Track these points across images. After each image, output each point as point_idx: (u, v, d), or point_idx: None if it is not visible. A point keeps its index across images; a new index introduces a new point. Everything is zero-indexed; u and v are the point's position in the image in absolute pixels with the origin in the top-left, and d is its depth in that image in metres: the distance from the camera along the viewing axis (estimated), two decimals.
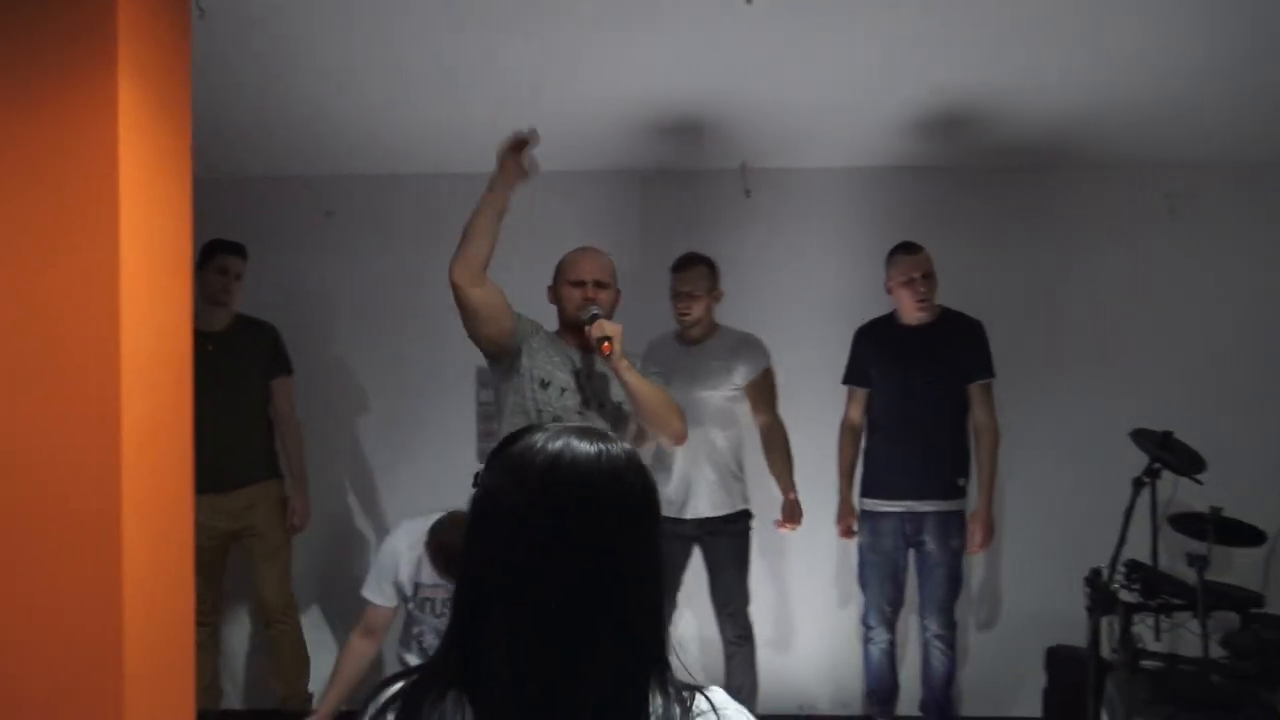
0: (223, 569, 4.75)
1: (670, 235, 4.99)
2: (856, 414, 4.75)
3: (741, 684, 4.51)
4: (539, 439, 1.30)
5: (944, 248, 4.72)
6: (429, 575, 3.92)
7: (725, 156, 5.04)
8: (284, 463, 4.85)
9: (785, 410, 4.74)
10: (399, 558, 4.05)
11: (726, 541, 4.48)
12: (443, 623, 4.03)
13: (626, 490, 1.29)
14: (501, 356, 3.49)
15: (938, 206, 5.09)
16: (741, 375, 4.52)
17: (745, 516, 4.54)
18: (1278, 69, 4.23)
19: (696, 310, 4.46)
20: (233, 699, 5.25)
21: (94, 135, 2.35)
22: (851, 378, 4.76)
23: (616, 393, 3.49)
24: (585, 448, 1.29)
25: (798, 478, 4.67)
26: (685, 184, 5.18)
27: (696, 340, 4.53)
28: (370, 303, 5.25)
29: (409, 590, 4.04)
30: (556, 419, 3.29)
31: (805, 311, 5.12)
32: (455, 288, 3.32)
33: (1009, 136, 4.82)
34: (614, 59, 4.22)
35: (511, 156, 3.31)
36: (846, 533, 4.73)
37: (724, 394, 4.49)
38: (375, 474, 5.24)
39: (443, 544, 3.82)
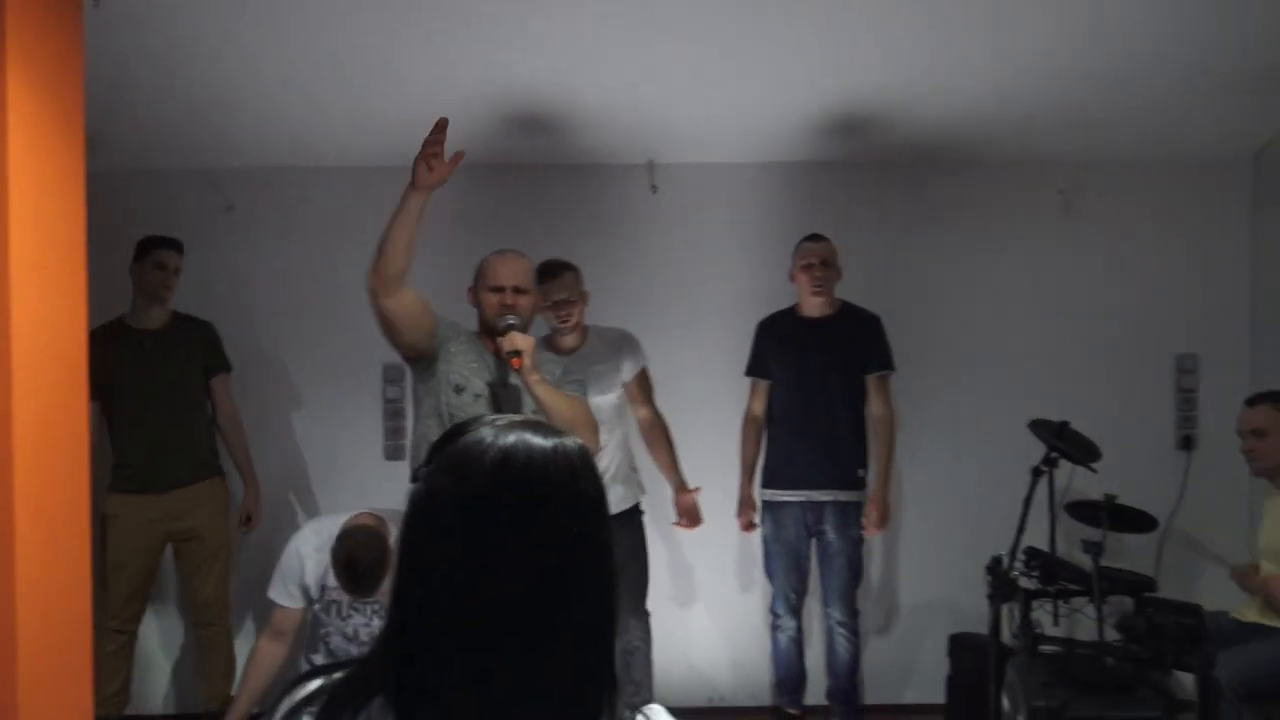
0: (154, 575, 4.64)
1: (576, 230, 4.99)
2: (759, 406, 4.80)
3: (640, 681, 4.53)
4: (487, 434, 1.24)
5: (847, 242, 4.80)
6: (334, 578, 3.86)
7: (632, 152, 5.04)
8: (226, 461, 4.78)
9: (692, 404, 4.78)
10: (304, 560, 3.99)
11: (626, 539, 4.43)
12: (349, 625, 3.99)
13: (582, 487, 1.24)
14: (420, 360, 3.46)
15: (841, 202, 5.15)
16: (627, 373, 4.53)
17: (639, 511, 4.55)
18: (1161, 70, 4.37)
19: (576, 315, 4.41)
20: (154, 704, 5.14)
21: None
22: (753, 370, 4.82)
23: (532, 401, 3.46)
24: (539, 442, 1.24)
25: (706, 471, 4.73)
26: (592, 179, 5.17)
27: (572, 348, 4.45)
28: (273, 298, 5.16)
29: (315, 592, 3.99)
30: None
31: (712, 306, 5.15)
32: (371, 297, 3.23)
33: (910, 134, 4.91)
34: (519, 52, 4.21)
35: (424, 163, 3.17)
36: (747, 526, 4.79)
37: (615, 395, 4.49)
38: (281, 473, 5.15)
39: (349, 558, 3.68)
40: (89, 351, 4.56)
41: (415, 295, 3.31)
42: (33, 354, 2.37)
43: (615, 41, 4.11)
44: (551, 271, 4.39)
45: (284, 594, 4.01)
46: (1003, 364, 5.18)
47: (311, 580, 3.98)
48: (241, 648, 4.86)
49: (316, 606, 4.00)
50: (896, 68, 4.37)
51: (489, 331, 3.50)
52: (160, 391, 4.54)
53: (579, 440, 1.28)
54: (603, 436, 4.38)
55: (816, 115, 4.76)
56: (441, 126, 3.13)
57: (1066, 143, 4.99)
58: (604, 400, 4.38)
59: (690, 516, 4.67)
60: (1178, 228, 5.17)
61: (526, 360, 3.27)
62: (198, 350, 4.68)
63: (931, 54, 4.26)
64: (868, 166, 5.17)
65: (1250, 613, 4.12)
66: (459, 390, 3.38)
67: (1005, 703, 3.66)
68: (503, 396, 3.42)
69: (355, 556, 3.66)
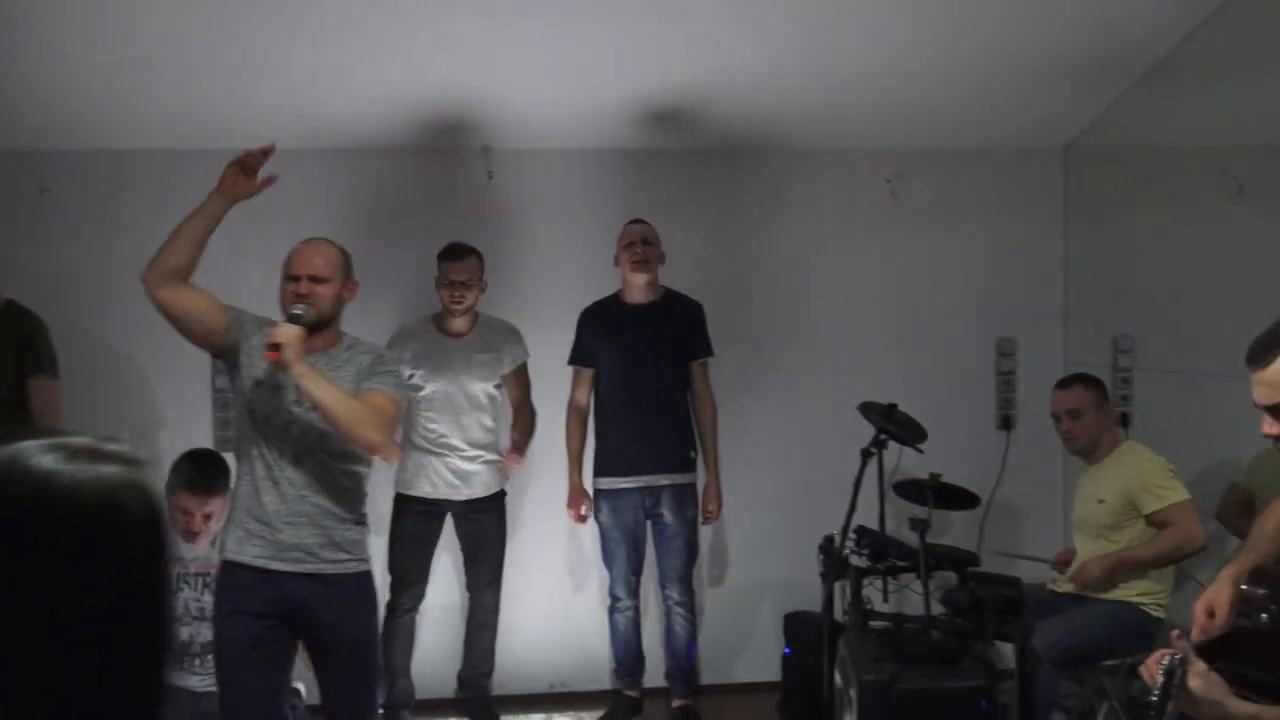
0: None
1: (412, 216, 4.94)
2: (583, 395, 4.82)
3: (489, 652, 4.77)
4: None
5: (675, 229, 4.87)
6: None
7: (468, 137, 5.00)
8: None
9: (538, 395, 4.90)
10: None
11: (493, 521, 4.67)
12: (179, 601, 3.91)
13: (67, 523, 1.00)
14: (223, 356, 3.36)
15: (671, 188, 5.22)
16: (508, 365, 4.68)
17: (503, 495, 4.72)
18: (976, 61, 4.54)
19: (469, 299, 4.51)
20: None
21: None
22: (576, 359, 4.83)
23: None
24: (39, 464, 1.02)
25: (539, 461, 4.93)
26: (428, 164, 5.10)
27: (460, 332, 4.56)
28: (95, 285, 4.92)
29: None
30: (266, 419, 3.21)
31: (547, 293, 5.14)
32: (146, 289, 3.13)
33: (737, 122, 5.00)
34: (357, 35, 4.12)
35: (237, 171, 3.19)
36: (580, 518, 4.81)
37: (493, 385, 4.64)
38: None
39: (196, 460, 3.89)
40: None
41: (200, 294, 3.22)
42: None
43: (456, 25, 4.06)
44: (456, 253, 4.50)
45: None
46: (835, 347, 5.31)
47: None
48: None
49: None
50: (721, 57, 4.44)
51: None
52: None
53: (124, 472, 1.07)
54: (486, 422, 4.61)
55: (644, 103, 4.80)
56: (267, 152, 3.19)
57: (893, 132, 5.14)
58: (481, 389, 4.58)
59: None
60: (997, 216, 5.39)
61: (287, 353, 3.05)
62: (16, 346, 4.34)
63: (754, 44, 4.35)
64: (695, 154, 5.24)
65: (1065, 583, 4.32)
66: (258, 385, 3.24)
67: (838, 678, 3.76)
68: (264, 394, 3.25)
69: (197, 451, 3.95)
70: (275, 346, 3.06)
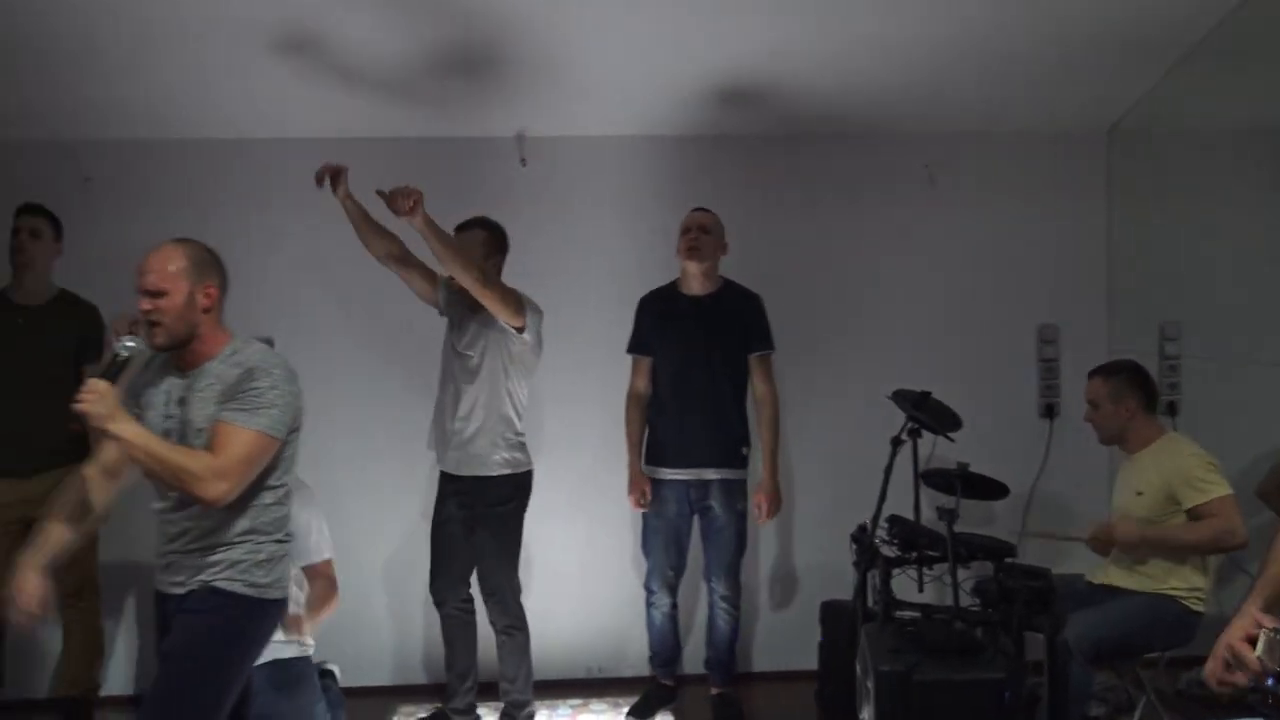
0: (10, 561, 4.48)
1: (445, 204, 4.93)
2: (641, 383, 4.79)
3: (514, 675, 4.48)
4: None
5: (721, 215, 4.82)
6: None
7: (502, 124, 5.01)
8: None
9: (570, 384, 4.98)
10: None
11: (494, 521, 4.39)
12: None
13: None
14: None
15: (713, 175, 5.18)
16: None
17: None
18: (1017, 44, 4.45)
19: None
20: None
21: None
22: (635, 347, 4.80)
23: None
24: None
25: (584, 448, 4.95)
26: (460, 151, 5.12)
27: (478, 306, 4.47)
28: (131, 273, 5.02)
29: None
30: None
31: (592, 281, 5.15)
32: None
33: (780, 107, 4.95)
34: (385, 20, 4.14)
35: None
36: (639, 503, 4.74)
37: (477, 355, 4.39)
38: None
39: None
40: None
41: None
42: None
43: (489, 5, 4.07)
44: (461, 226, 4.41)
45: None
46: (874, 334, 5.26)
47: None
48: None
49: None
50: (767, 43, 4.40)
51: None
52: (27, 372, 4.39)
53: None
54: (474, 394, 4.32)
55: (690, 89, 4.77)
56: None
57: (932, 116, 5.07)
58: (467, 355, 4.35)
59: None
60: (1039, 201, 5.29)
61: (92, 421, 2.79)
62: (71, 333, 4.50)
63: (800, 29, 4.29)
64: (739, 140, 5.20)
65: (1101, 575, 4.25)
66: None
67: (858, 668, 3.73)
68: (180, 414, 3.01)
69: None
70: (77, 418, 2.79)
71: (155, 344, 2.96)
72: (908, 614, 3.95)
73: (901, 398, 4.38)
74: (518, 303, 4.23)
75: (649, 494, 4.70)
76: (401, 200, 3.82)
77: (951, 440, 4.30)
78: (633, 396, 4.80)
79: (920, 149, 5.22)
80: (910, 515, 4.39)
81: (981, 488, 4.17)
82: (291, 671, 3.94)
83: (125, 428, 2.82)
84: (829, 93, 4.83)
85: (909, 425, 4.32)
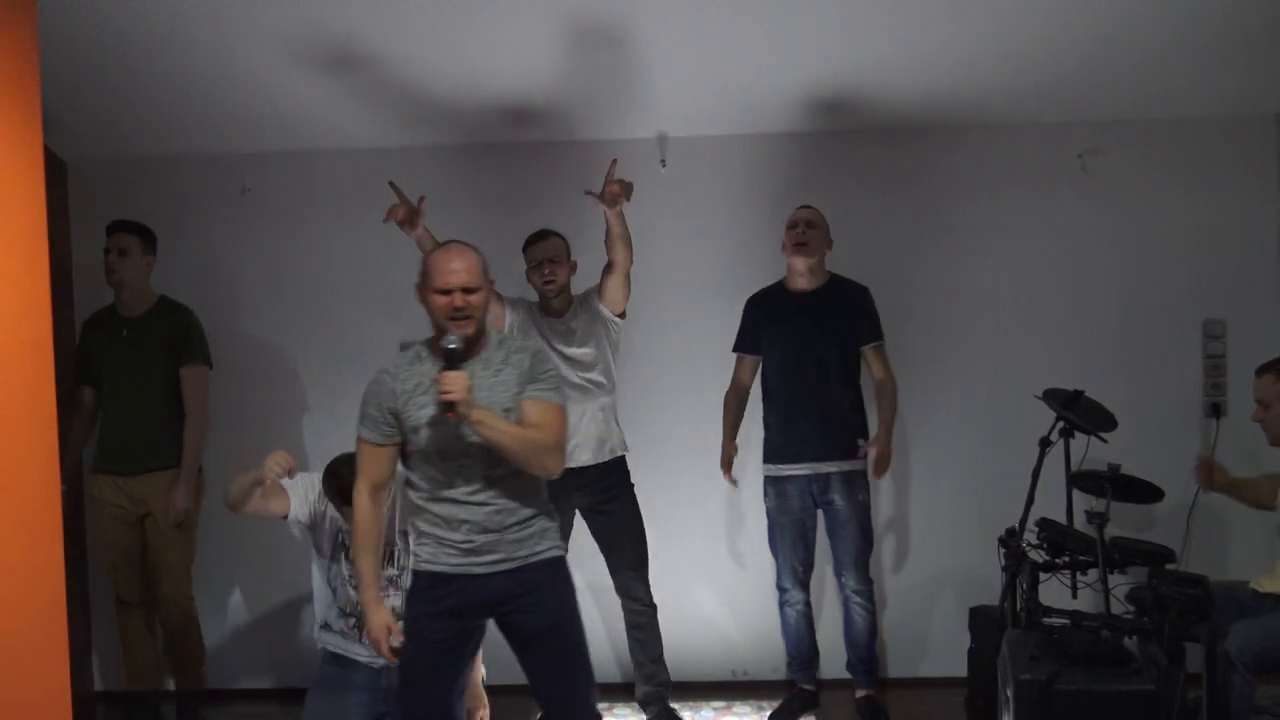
0: (138, 552, 4.72)
1: (581, 208, 4.96)
2: (745, 377, 4.81)
3: (657, 654, 4.59)
4: None
5: (854, 212, 4.75)
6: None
7: (641, 126, 5.02)
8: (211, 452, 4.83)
9: (685, 381, 5.01)
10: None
11: (617, 505, 4.50)
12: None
13: None
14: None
15: (843, 171, 5.10)
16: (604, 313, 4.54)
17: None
18: (1180, 26, 4.24)
19: (561, 276, 4.44)
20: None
21: None
22: (741, 345, 4.80)
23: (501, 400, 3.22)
24: None
25: (705, 446, 4.88)
26: (600, 154, 5.14)
27: (560, 311, 4.49)
28: (288, 283, 5.21)
29: (316, 516, 4.08)
30: (442, 453, 3.19)
31: (718, 280, 5.12)
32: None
33: (918, 99, 4.83)
34: (528, 29, 4.18)
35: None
36: (729, 478, 4.81)
37: (591, 349, 4.49)
38: (292, 455, 5.19)
39: (334, 466, 3.91)
40: (80, 340, 4.71)
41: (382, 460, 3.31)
42: None
43: (627, 12, 4.09)
44: (539, 236, 4.49)
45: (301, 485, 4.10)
46: (1022, 332, 5.10)
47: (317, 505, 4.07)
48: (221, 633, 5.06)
49: (328, 565, 4.08)
50: (901, 32, 4.29)
51: (441, 335, 3.24)
52: (130, 378, 4.63)
53: None
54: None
55: (827, 79, 4.68)
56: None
57: (1084, 103, 4.89)
58: (582, 353, 4.45)
59: None
60: (1202, 189, 5.03)
61: (463, 409, 3.05)
62: (167, 338, 4.69)
63: (944, 14, 4.17)
64: (875, 134, 5.11)
65: (1267, 583, 4.02)
66: (415, 430, 3.21)
67: (999, 676, 3.61)
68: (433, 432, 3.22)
69: (338, 465, 3.87)
70: (450, 406, 3.04)
71: (466, 335, 3.16)
72: (1056, 621, 3.82)
73: (1051, 397, 4.24)
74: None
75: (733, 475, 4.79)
76: (615, 193, 4.19)
77: (1105, 441, 4.13)
78: (734, 388, 4.83)
79: (1070, 138, 5.03)
80: (1062, 519, 4.25)
81: (1135, 490, 4.00)
82: None
83: (483, 412, 3.08)
84: (968, 84, 4.70)
85: (1059, 425, 4.19)
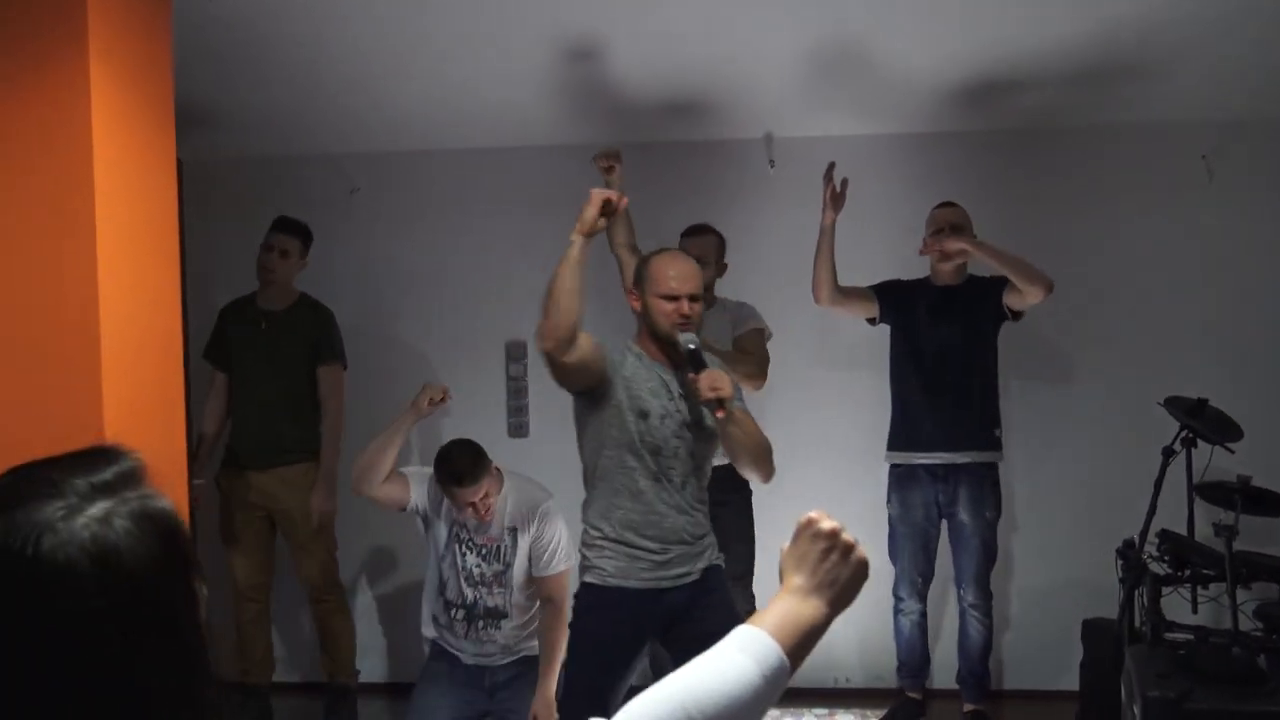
0: (268, 544, 4.78)
1: (692, 208, 4.93)
2: (853, 292, 4.59)
3: None
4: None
5: (978, 214, 4.64)
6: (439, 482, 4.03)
7: (749, 126, 4.98)
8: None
9: (808, 386, 4.89)
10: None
11: (730, 510, 4.37)
12: (466, 564, 4.12)
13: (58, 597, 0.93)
14: (590, 393, 3.24)
15: (965, 172, 5.00)
16: (735, 330, 4.52)
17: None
18: None
19: (705, 276, 4.37)
20: (290, 672, 5.30)
21: (68, 122, 2.38)
22: (877, 287, 4.65)
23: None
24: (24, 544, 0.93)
25: (820, 449, 4.87)
26: (708, 155, 5.12)
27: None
28: (396, 280, 5.27)
29: (430, 510, 4.13)
30: (656, 449, 3.20)
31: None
32: (547, 359, 3.05)
33: (1040, 98, 4.72)
34: (639, 32, 4.17)
35: (598, 211, 3.05)
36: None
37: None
38: (407, 451, 5.25)
39: (445, 451, 3.97)
40: (216, 326, 4.77)
41: (588, 340, 3.09)
42: (121, 340, 2.46)
43: (732, 11, 4.05)
44: (694, 230, 4.48)
45: (419, 475, 4.17)
46: (1142, 337, 4.97)
47: (438, 505, 4.13)
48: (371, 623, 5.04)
49: (440, 557, 4.13)
50: (1028, 29, 4.19)
51: (655, 336, 3.27)
52: (268, 372, 4.67)
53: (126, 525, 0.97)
54: None
55: (943, 83, 4.60)
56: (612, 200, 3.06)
57: (1210, 102, 4.74)
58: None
59: None
60: None
61: (729, 405, 3.08)
62: (307, 336, 4.74)
63: (1063, 13, 4.06)
64: (998, 135, 5.02)
65: None
66: (644, 415, 3.19)
67: (1123, 692, 3.50)
68: (684, 408, 3.25)
69: (449, 448, 3.96)
70: (720, 403, 3.04)
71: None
72: (1179, 636, 3.71)
73: (1174, 405, 4.11)
74: None
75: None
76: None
77: (1231, 451, 4.00)
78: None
79: (1195, 139, 4.88)
80: (1182, 530, 4.13)
81: (1266, 503, 3.86)
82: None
83: (739, 414, 3.19)
84: (1091, 83, 4.57)
85: (1182, 434, 4.06)
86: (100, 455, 1.04)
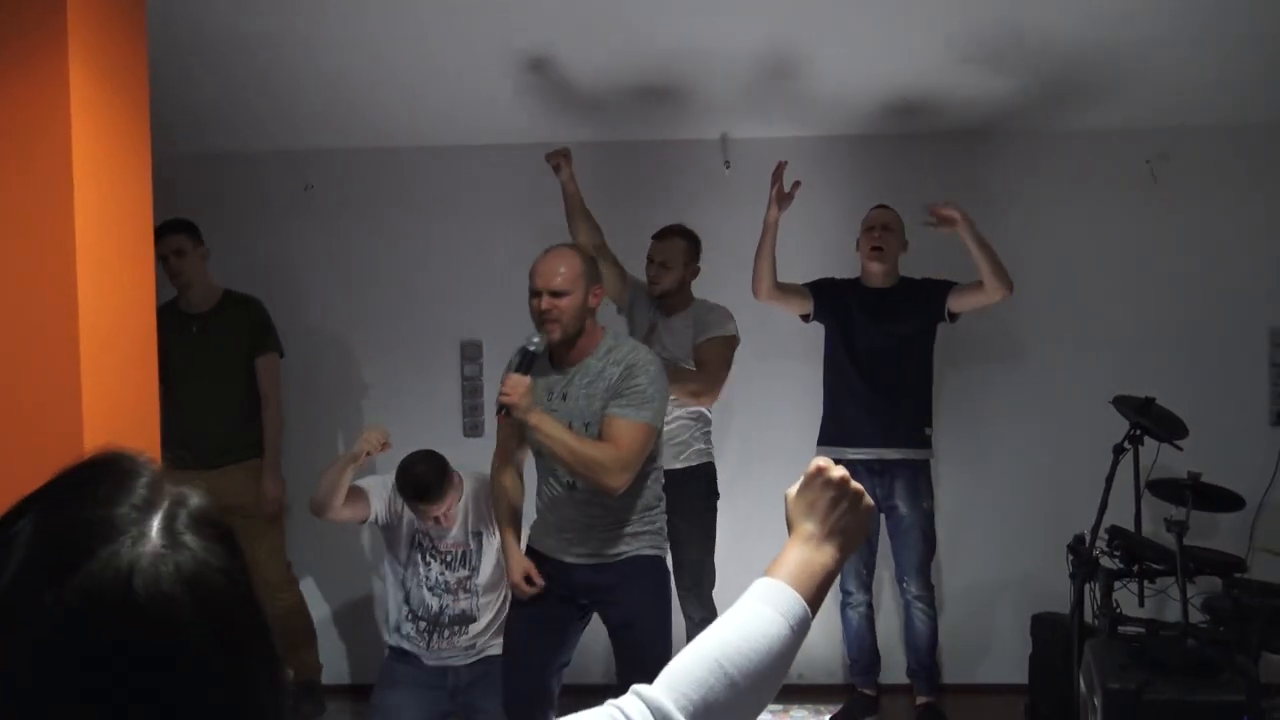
0: None
1: (649, 207, 4.94)
2: (791, 289, 4.63)
3: None
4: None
5: (923, 214, 4.70)
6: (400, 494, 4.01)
7: (705, 127, 5.01)
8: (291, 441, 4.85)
9: (761, 384, 4.91)
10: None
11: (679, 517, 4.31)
12: (430, 574, 4.08)
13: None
14: None
15: (915, 174, 5.06)
16: (697, 337, 4.49)
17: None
18: (1251, 30, 4.21)
19: (666, 281, 4.43)
20: None
21: (46, 116, 2.35)
22: (811, 283, 4.70)
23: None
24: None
25: (770, 448, 4.91)
26: (666, 154, 5.14)
27: (670, 311, 4.50)
28: (352, 278, 5.22)
29: (392, 517, 4.10)
30: (538, 450, 3.32)
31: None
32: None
33: (988, 103, 4.80)
34: (589, 28, 4.18)
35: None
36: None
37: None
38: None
39: (407, 465, 3.93)
40: None
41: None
42: (98, 337, 2.43)
43: (694, 10, 4.08)
44: (662, 234, 4.50)
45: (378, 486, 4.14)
46: (1088, 338, 5.06)
47: (398, 512, 4.10)
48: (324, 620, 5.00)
49: (402, 567, 4.09)
50: (968, 36, 4.28)
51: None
52: (202, 373, 4.61)
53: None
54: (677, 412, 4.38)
55: (890, 86, 4.68)
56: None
57: (1155, 108, 4.84)
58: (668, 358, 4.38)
59: None
60: (1273, 196, 4.98)
61: (517, 412, 3.14)
62: (241, 330, 4.71)
63: (1010, 17, 4.15)
64: (941, 139, 5.08)
65: None
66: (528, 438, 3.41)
67: (1081, 685, 3.58)
68: (562, 408, 3.30)
69: (412, 463, 3.92)
70: (503, 409, 3.16)
71: (551, 339, 3.23)
72: (1130, 629, 3.80)
73: (1123, 404, 4.20)
74: None
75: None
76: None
77: (1179, 449, 4.10)
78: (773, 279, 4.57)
79: (1140, 143, 4.98)
80: (1129, 526, 4.22)
81: (1214, 499, 3.96)
82: None
83: (542, 419, 3.15)
84: (1036, 87, 4.66)
85: (1131, 432, 4.15)
86: (117, 471, 0.93)
